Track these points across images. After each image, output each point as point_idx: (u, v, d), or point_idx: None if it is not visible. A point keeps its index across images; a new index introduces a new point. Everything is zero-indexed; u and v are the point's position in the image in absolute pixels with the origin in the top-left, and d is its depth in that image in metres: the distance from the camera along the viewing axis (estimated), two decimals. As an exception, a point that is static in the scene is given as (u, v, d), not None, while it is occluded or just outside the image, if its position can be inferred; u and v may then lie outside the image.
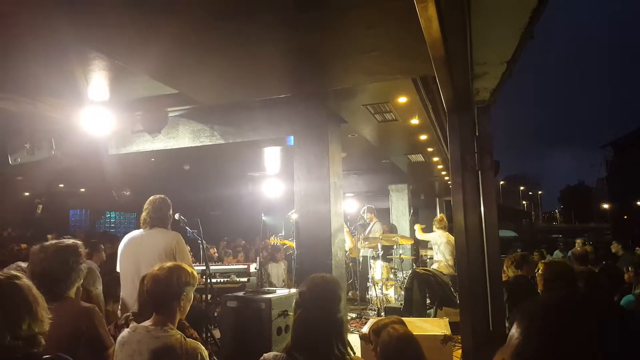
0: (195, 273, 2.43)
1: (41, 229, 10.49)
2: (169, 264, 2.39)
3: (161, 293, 2.27)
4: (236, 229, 14.29)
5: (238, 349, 4.37)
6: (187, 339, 2.26)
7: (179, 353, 2.17)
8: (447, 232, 6.84)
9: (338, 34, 3.05)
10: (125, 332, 2.28)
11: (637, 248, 13.45)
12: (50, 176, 9.31)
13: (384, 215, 10.69)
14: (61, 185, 12.33)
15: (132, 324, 2.32)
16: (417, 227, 7.68)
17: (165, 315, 2.28)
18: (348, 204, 10.57)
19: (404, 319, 3.02)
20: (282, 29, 3.05)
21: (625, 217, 33.62)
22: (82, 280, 2.51)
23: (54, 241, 2.50)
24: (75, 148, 5.87)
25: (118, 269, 3.81)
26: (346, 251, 8.34)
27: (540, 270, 2.78)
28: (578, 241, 9.41)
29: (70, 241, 2.51)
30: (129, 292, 3.61)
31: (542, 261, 2.91)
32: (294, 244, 7.82)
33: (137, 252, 3.68)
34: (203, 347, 2.30)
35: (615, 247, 10.06)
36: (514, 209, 46.60)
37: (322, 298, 1.98)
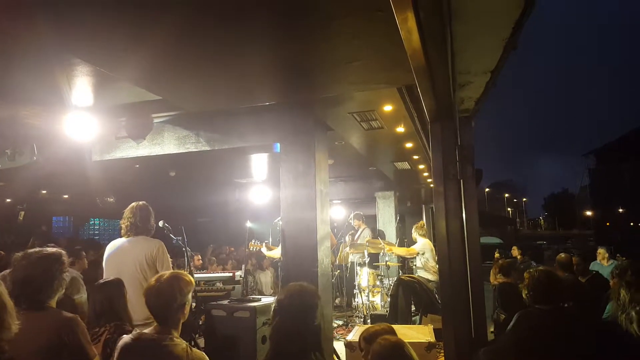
0: (192, 278, 2.42)
1: (23, 236, 10.29)
2: (167, 274, 2.35)
3: (167, 306, 2.25)
4: (223, 236, 14.20)
5: (223, 358, 4.33)
6: (193, 349, 2.23)
7: None
8: (428, 239, 6.91)
9: (323, 43, 3.06)
10: (128, 338, 2.24)
11: (617, 255, 13.70)
12: (33, 182, 9.16)
13: (370, 222, 10.71)
14: (44, 192, 12.12)
15: (135, 331, 2.29)
16: (400, 250, 7.52)
17: (170, 325, 2.26)
18: (335, 211, 10.58)
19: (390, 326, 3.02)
20: (267, 38, 3.06)
21: (608, 223, 34.21)
22: (64, 290, 2.48)
23: (37, 249, 2.46)
24: (57, 154, 5.79)
25: None
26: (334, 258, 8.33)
27: (526, 280, 2.76)
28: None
29: (53, 249, 2.48)
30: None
31: (529, 270, 2.90)
32: (261, 246, 7.70)
33: (120, 260, 3.65)
34: (208, 358, 2.27)
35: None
36: (499, 216, 47.09)
37: (299, 306, 2.00)
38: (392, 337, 2.30)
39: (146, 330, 2.26)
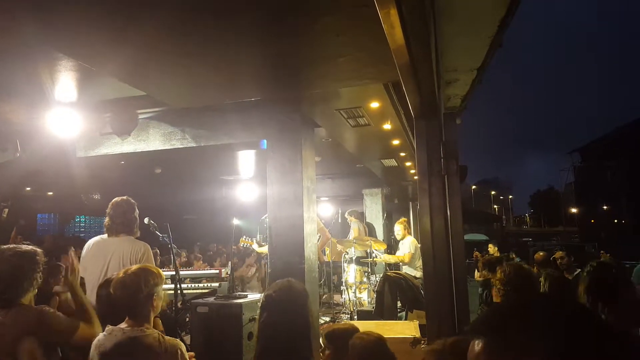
0: (160, 272, 2.41)
1: (7, 233, 10.12)
2: (133, 267, 2.36)
3: (133, 298, 2.24)
4: (210, 234, 14.12)
5: (209, 355, 4.31)
6: (165, 337, 2.23)
7: (157, 351, 2.15)
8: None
9: (309, 40, 3.06)
10: (101, 335, 2.23)
11: (602, 252, 13.90)
12: (16, 179, 9.00)
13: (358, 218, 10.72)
14: (28, 189, 11.93)
15: (108, 327, 2.27)
16: (392, 257, 7.15)
17: (140, 318, 2.25)
18: (322, 208, 10.59)
19: (376, 322, 3.03)
20: (255, 35, 3.05)
21: (592, 221, 34.76)
22: (36, 290, 2.43)
23: (12, 245, 2.42)
24: (41, 150, 5.70)
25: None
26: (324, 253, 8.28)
27: (498, 275, 2.79)
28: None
29: (28, 247, 2.43)
30: (94, 299, 3.52)
31: (501, 265, 2.93)
32: (252, 242, 7.70)
33: (105, 259, 3.59)
34: (182, 344, 2.27)
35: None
36: (485, 213, 47.54)
37: (287, 301, 1.99)
38: (373, 333, 2.29)
39: (119, 326, 2.25)
